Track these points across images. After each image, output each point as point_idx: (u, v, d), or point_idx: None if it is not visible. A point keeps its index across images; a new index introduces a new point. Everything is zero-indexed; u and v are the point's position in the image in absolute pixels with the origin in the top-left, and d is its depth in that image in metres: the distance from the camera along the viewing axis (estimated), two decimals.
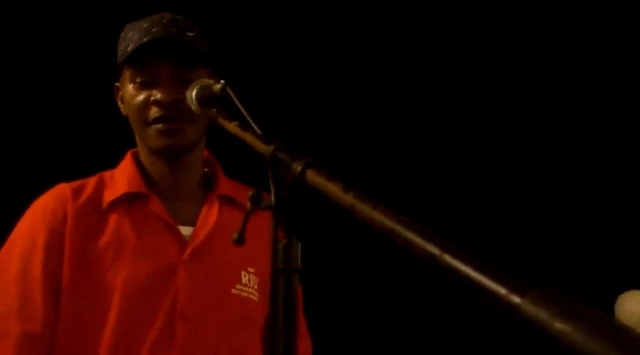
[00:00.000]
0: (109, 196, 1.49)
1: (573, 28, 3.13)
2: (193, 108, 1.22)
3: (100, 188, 1.51)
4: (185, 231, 1.49)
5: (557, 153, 3.16)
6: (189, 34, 1.47)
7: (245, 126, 1.08)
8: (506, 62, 3.16)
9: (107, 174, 1.55)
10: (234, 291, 1.47)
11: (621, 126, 3.15)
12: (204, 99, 1.22)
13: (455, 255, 0.56)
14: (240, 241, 0.95)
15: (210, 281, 1.46)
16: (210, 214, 1.52)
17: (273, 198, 0.92)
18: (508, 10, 3.13)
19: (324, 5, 3.06)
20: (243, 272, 1.50)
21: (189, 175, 1.54)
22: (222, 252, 1.47)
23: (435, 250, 0.58)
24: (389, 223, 0.65)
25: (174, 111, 1.44)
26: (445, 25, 3.17)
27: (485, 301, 0.52)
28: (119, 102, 1.54)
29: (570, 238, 3.06)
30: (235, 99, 1.14)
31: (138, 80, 1.46)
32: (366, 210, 0.69)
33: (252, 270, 1.51)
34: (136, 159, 1.56)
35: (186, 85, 1.26)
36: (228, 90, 1.17)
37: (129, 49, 1.44)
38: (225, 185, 1.58)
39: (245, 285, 1.49)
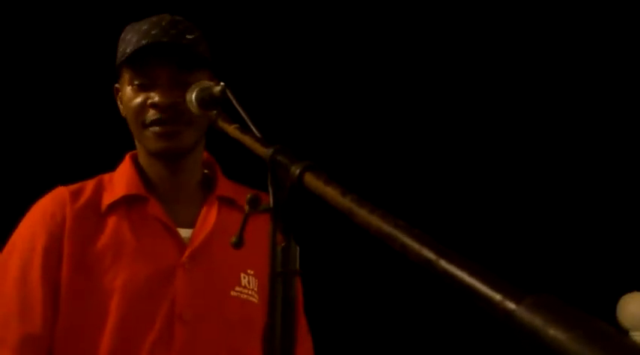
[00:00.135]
0: (107, 199, 1.49)
1: (573, 28, 3.12)
2: (193, 110, 1.22)
3: (98, 191, 1.51)
4: (184, 233, 1.49)
5: (556, 155, 3.15)
6: (189, 36, 1.46)
7: (245, 128, 1.08)
8: (504, 64, 3.15)
9: (106, 176, 1.55)
10: (233, 293, 1.47)
11: (618, 129, 3.15)
12: (204, 101, 1.22)
13: (451, 261, 0.56)
14: (238, 244, 0.95)
15: (209, 283, 1.46)
16: (210, 216, 1.52)
17: (271, 200, 0.92)
18: (507, 10, 3.13)
19: (324, 7, 3.06)
20: (242, 275, 1.49)
21: (189, 177, 1.54)
22: (221, 254, 1.47)
23: (431, 255, 0.58)
24: (386, 227, 0.65)
25: (171, 114, 1.43)
26: (442, 27, 3.16)
27: (481, 307, 0.52)
28: (119, 103, 1.55)
29: (572, 240, 3.06)
30: (235, 102, 1.14)
31: (136, 82, 1.46)
32: (364, 214, 0.69)
33: (252, 272, 1.51)
34: (135, 161, 1.56)
35: (184, 88, 1.26)
36: (228, 92, 1.17)
37: (127, 51, 1.44)
38: (225, 186, 1.58)
39: (245, 287, 1.49)
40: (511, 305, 0.49)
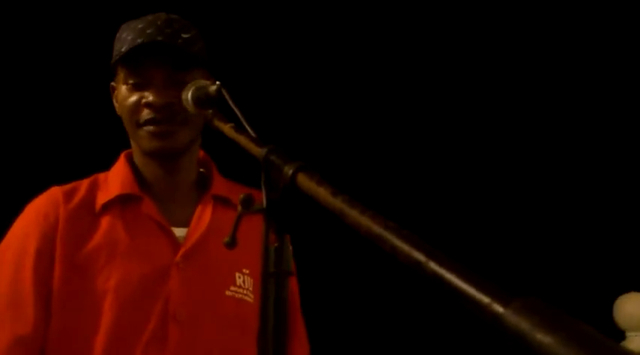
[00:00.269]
0: (102, 198, 1.49)
1: (573, 28, 3.12)
2: (189, 109, 1.23)
3: (93, 190, 1.50)
4: (179, 232, 1.49)
5: (553, 156, 3.15)
6: (184, 35, 1.46)
7: (240, 128, 1.08)
8: (500, 63, 3.15)
9: (101, 175, 1.55)
10: (228, 293, 1.46)
11: (615, 130, 3.14)
12: (200, 100, 1.22)
13: (440, 263, 0.56)
14: (231, 245, 0.95)
15: (204, 282, 1.45)
16: (204, 215, 1.51)
17: (264, 201, 0.92)
18: (506, 10, 3.12)
19: (321, 7, 3.06)
20: (237, 274, 1.49)
21: (184, 177, 1.53)
22: (216, 254, 1.46)
23: (420, 257, 0.58)
24: (376, 229, 0.65)
25: (166, 114, 1.43)
26: (437, 25, 3.16)
27: (469, 309, 0.52)
28: (114, 102, 1.54)
29: (569, 241, 3.06)
30: (230, 101, 1.14)
31: (131, 81, 1.46)
32: (354, 214, 0.69)
33: (247, 272, 1.50)
34: (130, 160, 1.55)
35: (179, 87, 1.26)
36: (223, 91, 1.18)
37: (122, 49, 1.44)
38: (220, 185, 1.57)
39: (240, 287, 1.48)
40: (499, 308, 0.49)
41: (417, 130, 3.15)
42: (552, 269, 3.02)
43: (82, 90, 2.62)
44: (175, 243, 1.46)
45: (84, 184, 1.52)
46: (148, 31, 1.43)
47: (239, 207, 0.93)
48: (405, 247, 0.60)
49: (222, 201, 1.55)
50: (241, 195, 0.93)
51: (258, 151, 0.96)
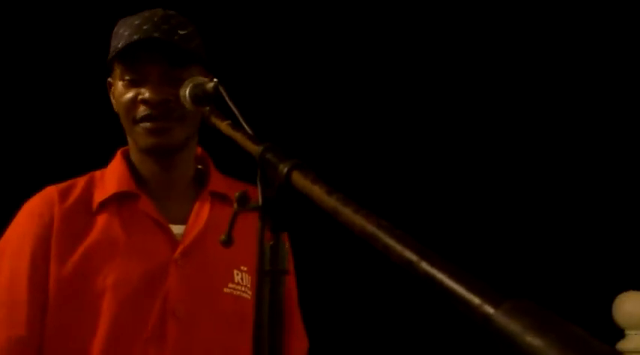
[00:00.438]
0: (98, 196, 1.48)
1: (573, 28, 3.11)
2: (187, 106, 1.22)
3: (89, 188, 1.50)
4: (176, 229, 1.48)
5: (551, 155, 3.15)
6: (181, 31, 1.45)
7: (237, 125, 1.08)
8: (494, 63, 3.15)
9: (98, 173, 1.54)
10: (226, 290, 1.46)
11: (612, 129, 3.14)
12: (198, 97, 1.22)
13: (432, 263, 0.56)
14: (227, 243, 0.94)
15: (202, 279, 1.45)
16: (202, 212, 1.51)
17: (260, 199, 0.92)
18: (506, 10, 3.12)
19: (318, 4, 3.05)
20: (235, 271, 1.49)
21: (181, 173, 1.53)
22: (214, 251, 1.45)
23: (412, 256, 0.58)
24: (369, 228, 0.65)
25: (162, 111, 1.43)
26: (435, 25, 3.15)
27: (460, 310, 0.52)
28: (112, 98, 1.54)
29: (568, 239, 3.06)
30: (227, 98, 1.14)
31: (127, 78, 1.45)
32: (348, 213, 0.69)
33: (245, 268, 1.50)
34: (127, 157, 1.55)
35: (175, 84, 1.25)
36: (220, 88, 1.17)
37: (119, 46, 1.44)
38: (218, 182, 1.57)
39: (238, 284, 1.48)
40: (489, 310, 0.49)
41: (412, 130, 3.14)
42: (552, 267, 3.02)
43: (79, 87, 2.62)
44: (173, 241, 1.46)
45: (80, 182, 1.52)
46: (145, 27, 1.43)
47: (235, 205, 0.93)
48: (397, 247, 0.60)
49: (219, 198, 1.54)
50: (237, 193, 0.93)
51: (254, 149, 0.96)
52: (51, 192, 1.48)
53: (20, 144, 2.67)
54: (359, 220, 0.67)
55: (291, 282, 1.60)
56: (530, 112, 3.15)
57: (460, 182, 3.12)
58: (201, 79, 1.23)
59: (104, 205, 1.47)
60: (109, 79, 1.54)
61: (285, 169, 0.85)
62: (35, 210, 1.46)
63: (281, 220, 0.91)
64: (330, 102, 3.05)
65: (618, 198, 3.09)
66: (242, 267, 1.50)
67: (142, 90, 1.44)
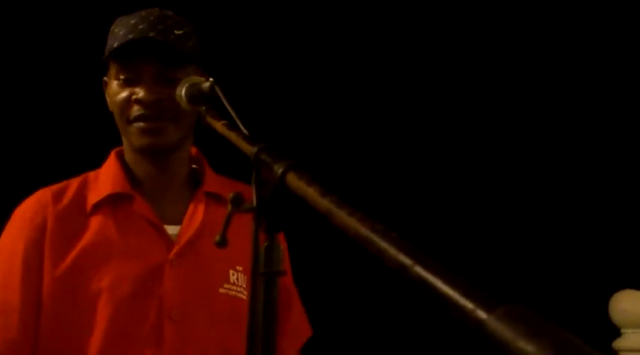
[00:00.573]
0: (93, 198, 1.48)
1: (573, 28, 3.11)
2: (183, 105, 1.22)
3: (83, 190, 1.50)
4: (172, 230, 1.48)
5: (547, 154, 3.15)
6: (177, 31, 1.45)
7: (233, 125, 1.08)
8: (493, 65, 3.14)
9: (92, 174, 1.54)
10: (222, 290, 1.46)
11: (611, 128, 3.14)
12: (194, 97, 1.22)
13: (426, 267, 0.56)
14: (222, 244, 0.94)
15: (198, 280, 1.45)
16: (197, 212, 1.50)
17: (254, 200, 0.92)
18: (506, 10, 3.11)
19: (316, 4, 3.05)
20: (231, 271, 1.49)
21: (175, 174, 1.52)
22: (209, 251, 1.45)
23: (406, 260, 0.58)
24: (363, 231, 0.65)
25: (156, 111, 1.42)
26: (433, 25, 3.15)
27: (454, 315, 0.52)
28: (107, 97, 1.53)
29: (565, 238, 3.06)
30: (223, 98, 1.14)
31: (122, 77, 1.45)
32: (342, 216, 0.69)
33: (241, 269, 1.50)
34: (121, 158, 1.54)
35: (170, 83, 1.25)
36: (216, 88, 1.17)
37: (114, 45, 1.43)
38: (213, 182, 1.57)
39: (233, 284, 1.48)
40: (482, 315, 0.49)
41: (407, 132, 3.14)
42: (548, 266, 3.02)
43: (75, 86, 2.61)
44: (168, 241, 1.46)
45: (73, 184, 1.51)
46: (140, 27, 1.42)
47: (229, 207, 0.92)
48: (391, 250, 0.59)
49: (214, 198, 1.54)
50: (231, 194, 0.92)
51: (249, 149, 0.96)
52: (44, 194, 1.48)
53: (14, 143, 2.66)
54: (353, 223, 0.67)
55: (287, 280, 1.60)
56: (522, 113, 3.15)
57: (456, 181, 3.12)
58: (197, 79, 1.23)
59: (98, 206, 1.46)
60: (105, 78, 1.53)
61: (280, 170, 0.85)
62: (27, 213, 1.46)
63: (275, 221, 0.91)
64: (326, 103, 3.05)
65: (615, 197, 3.09)
66: (238, 267, 1.50)
67: (137, 89, 1.43)
